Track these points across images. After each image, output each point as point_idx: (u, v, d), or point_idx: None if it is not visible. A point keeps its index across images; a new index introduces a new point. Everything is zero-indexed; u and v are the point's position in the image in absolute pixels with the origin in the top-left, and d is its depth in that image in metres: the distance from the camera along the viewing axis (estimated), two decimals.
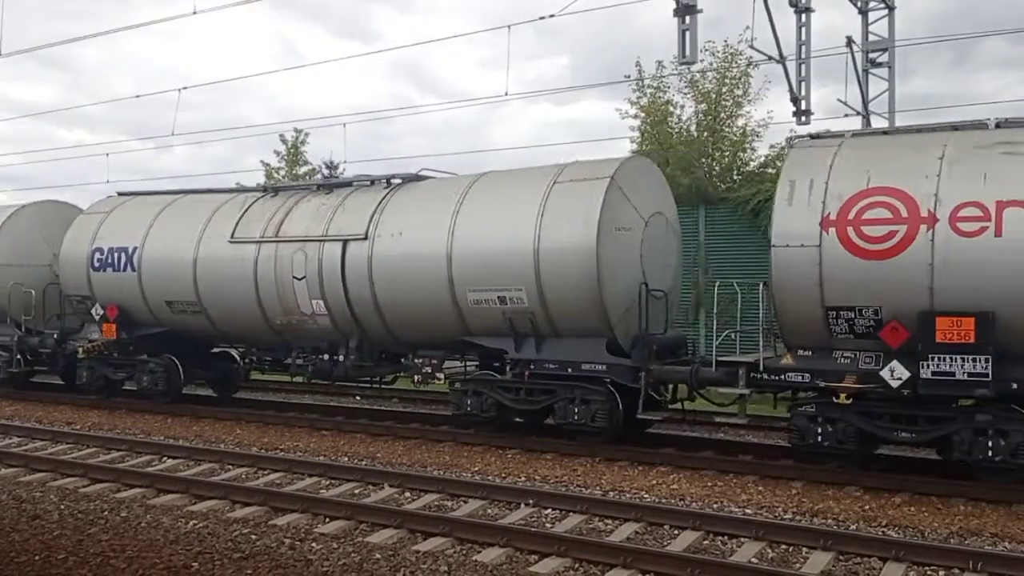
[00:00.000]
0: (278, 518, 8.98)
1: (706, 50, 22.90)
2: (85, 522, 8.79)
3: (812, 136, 11.35)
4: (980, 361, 9.44)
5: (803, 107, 16.01)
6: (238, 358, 17.19)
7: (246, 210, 15.28)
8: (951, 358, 9.57)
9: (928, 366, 9.62)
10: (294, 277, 14.17)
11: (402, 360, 14.33)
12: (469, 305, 12.60)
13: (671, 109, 24.39)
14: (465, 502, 9.65)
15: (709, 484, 10.45)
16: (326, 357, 14.39)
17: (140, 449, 12.72)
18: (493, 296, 12.36)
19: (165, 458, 12.20)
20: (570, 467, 11.37)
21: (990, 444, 9.68)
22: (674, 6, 13.18)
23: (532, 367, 12.41)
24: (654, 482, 10.55)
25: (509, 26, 16.45)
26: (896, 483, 10.25)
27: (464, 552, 7.88)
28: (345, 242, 13.66)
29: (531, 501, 9.51)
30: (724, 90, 23.67)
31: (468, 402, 12.93)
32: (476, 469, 11.30)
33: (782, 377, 10.67)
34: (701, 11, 13.08)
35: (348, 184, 15.06)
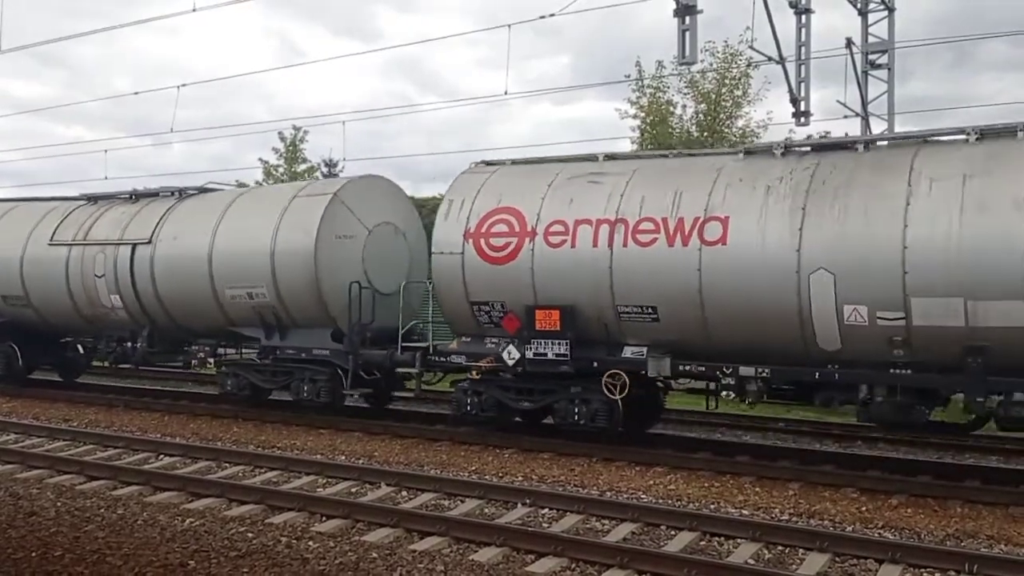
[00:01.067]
0: (275, 516, 8.97)
1: (706, 50, 22.97)
2: (81, 519, 8.78)
3: (483, 163, 13.95)
4: (563, 344, 11.94)
5: (802, 108, 16.03)
6: (80, 347, 18.58)
7: (65, 217, 17.64)
8: (545, 342, 12.08)
9: (530, 348, 12.12)
10: (96, 275, 16.61)
11: (185, 348, 16.58)
12: (228, 300, 15.03)
13: (671, 109, 24.43)
14: (462, 501, 9.64)
15: (706, 485, 10.45)
16: (128, 344, 16.62)
17: (137, 446, 12.71)
18: (243, 292, 14.81)
19: (162, 456, 12.19)
20: (567, 467, 11.37)
21: (576, 411, 12.07)
22: (674, 6, 13.18)
23: (277, 352, 14.84)
24: (651, 482, 10.55)
25: (509, 25, 16.47)
26: (893, 485, 10.26)
27: (460, 551, 7.88)
28: (134, 245, 16.10)
29: (528, 501, 9.51)
30: (724, 90, 23.71)
31: (229, 383, 15.34)
32: (473, 468, 11.30)
33: (448, 359, 13.19)
34: (701, 11, 13.10)
35: (154, 194, 17.31)
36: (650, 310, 11.46)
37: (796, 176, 10.86)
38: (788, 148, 11.53)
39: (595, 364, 11.91)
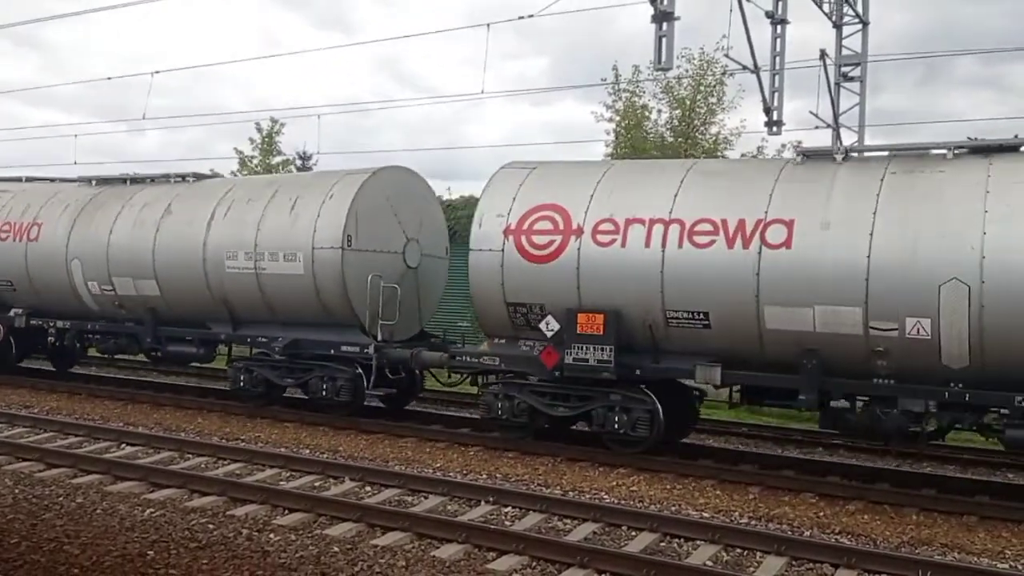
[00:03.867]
0: (237, 508, 8.93)
1: (682, 57, 23.10)
2: (40, 507, 8.69)
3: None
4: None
5: (775, 118, 16.19)
6: None
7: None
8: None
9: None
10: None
11: None
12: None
13: (646, 114, 24.57)
14: (426, 498, 9.65)
15: (668, 487, 10.55)
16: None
17: (98, 435, 12.57)
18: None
19: (124, 445, 12.07)
20: (532, 466, 11.42)
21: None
22: (652, 12, 13.26)
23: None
24: (614, 483, 10.63)
25: (488, 24, 16.45)
26: (851, 491, 10.41)
27: (423, 547, 7.89)
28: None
29: (491, 499, 9.54)
30: (699, 97, 23.89)
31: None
32: (438, 465, 11.32)
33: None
34: (679, 18, 13.16)
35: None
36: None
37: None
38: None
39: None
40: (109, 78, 28.26)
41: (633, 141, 23.80)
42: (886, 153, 11.28)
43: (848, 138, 16.75)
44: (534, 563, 7.57)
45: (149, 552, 7.37)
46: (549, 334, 11.90)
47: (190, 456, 11.47)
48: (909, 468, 12.52)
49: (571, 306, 11.72)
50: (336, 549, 7.64)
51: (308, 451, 12.03)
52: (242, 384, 14.94)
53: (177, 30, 68.92)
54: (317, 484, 10.20)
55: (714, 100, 23.86)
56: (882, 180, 10.54)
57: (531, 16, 15.30)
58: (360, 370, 13.84)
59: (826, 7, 16.73)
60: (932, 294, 9.81)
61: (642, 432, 11.60)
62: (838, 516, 9.48)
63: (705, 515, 9.37)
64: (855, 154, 11.48)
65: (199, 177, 16.79)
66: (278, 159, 30.97)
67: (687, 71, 23.50)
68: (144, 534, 7.86)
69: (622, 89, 24.52)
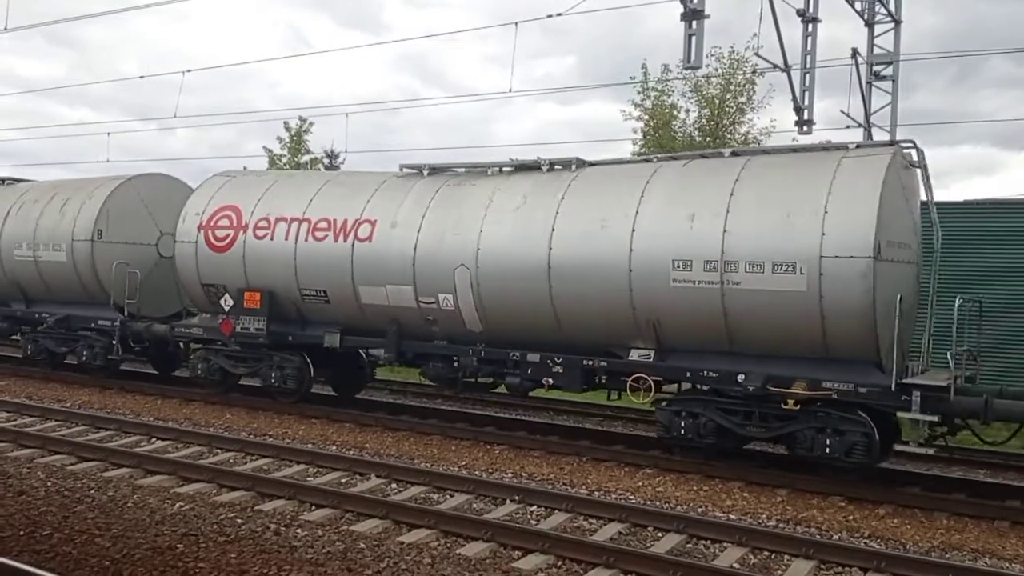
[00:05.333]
0: (264, 503, 9.00)
1: (712, 55, 22.98)
2: (71, 500, 8.81)
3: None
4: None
5: (805, 117, 16.04)
6: None
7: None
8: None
9: None
10: None
11: None
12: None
13: (675, 113, 24.46)
14: (451, 496, 9.67)
15: (695, 488, 10.49)
16: None
17: (129, 429, 12.73)
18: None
19: (154, 439, 12.22)
20: (557, 465, 11.41)
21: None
22: (681, 10, 13.19)
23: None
24: (640, 484, 10.59)
25: (516, 23, 16.47)
26: (880, 495, 10.30)
27: (448, 545, 7.91)
28: None
29: (517, 497, 9.54)
30: (728, 96, 23.74)
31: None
32: (463, 463, 11.34)
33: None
34: (708, 16, 13.09)
35: None
36: None
37: None
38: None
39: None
40: (142, 77, 28.62)
41: (661, 140, 23.68)
42: (463, 169, 13.99)
43: (880, 138, 16.57)
44: (560, 562, 7.57)
45: (179, 545, 7.44)
46: (227, 308, 14.78)
47: (219, 451, 11.58)
48: (939, 472, 12.36)
49: (241, 286, 14.61)
50: (363, 545, 7.68)
51: (335, 447, 12.10)
52: (29, 352, 18.13)
53: (208, 30, 69.61)
54: (344, 480, 10.26)
55: (744, 99, 23.71)
56: (437, 191, 13.46)
57: (559, 15, 15.29)
58: (116, 340, 16.76)
59: (858, 5, 16.56)
60: (450, 276, 12.63)
61: (292, 385, 14.62)
62: (867, 520, 9.39)
63: (732, 517, 9.31)
64: (438, 171, 14.16)
65: (2, 180, 20.30)
66: (306, 158, 31.15)
67: (717, 70, 23.38)
68: (174, 527, 7.94)
69: (651, 88, 24.43)
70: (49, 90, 68.17)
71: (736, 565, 7.73)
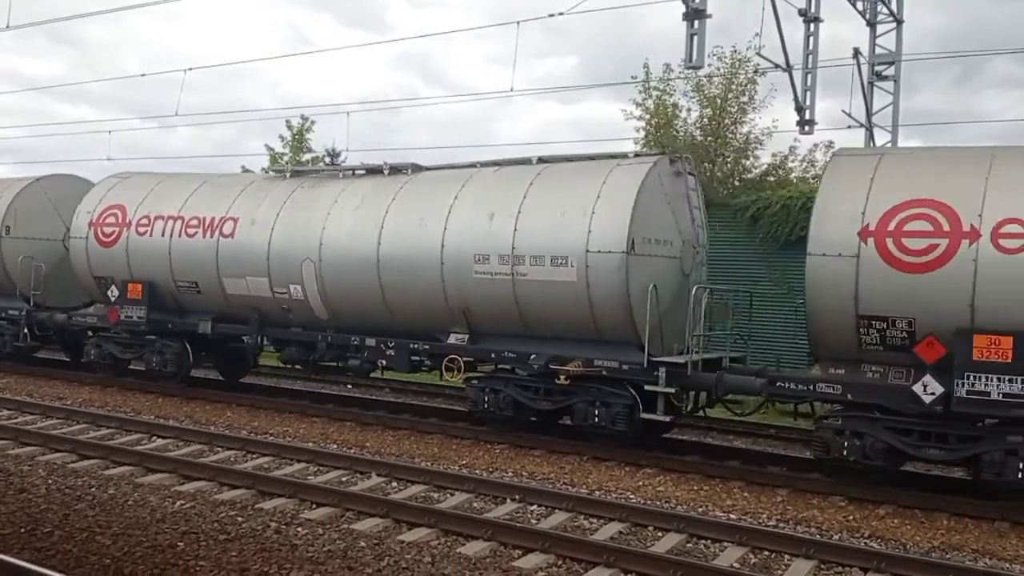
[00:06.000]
0: (265, 502, 9.00)
1: (713, 55, 22.97)
2: (72, 497, 8.82)
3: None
4: None
5: (807, 117, 16.04)
6: None
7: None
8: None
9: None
10: None
11: None
12: None
13: (677, 112, 24.44)
14: (452, 494, 9.68)
15: (695, 488, 10.49)
16: None
17: (130, 427, 12.74)
18: None
19: (155, 437, 12.23)
20: (557, 464, 11.41)
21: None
22: (683, 10, 13.19)
23: None
24: (640, 483, 10.59)
25: (518, 22, 16.50)
26: (881, 495, 10.30)
27: (448, 544, 7.92)
28: None
29: (517, 496, 9.55)
30: (730, 96, 23.72)
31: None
32: (464, 462, 11.34)
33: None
34: (710, 16, 13.09)
35: None
36: None
37: None
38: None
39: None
40: (143, 75, 28.64)
41: (663, 139, 23.67)
42: (321, 169, 16.09)
43: (882, 138, 16.58)
44: (560, 561, 7.57)
45: (179, 543, 7.45)
46: (113, 298, 16.11)
47: (220, 449, 11.59)
48: (940, 472, 12.35)
49: (125, 278, 15.98)
50: (363, 544, 7.68)
51: (335, 446, 12.10)
52: None
53: (209, 28, 69.60)
54: (344, 479, 10.27)
55: (745, 99, 23.69)
56: (292, 192, 14.89)
57: (560, 14, 15.28)
58: (24, 329, 18.03)
59: (860, 5, 16.57)
60: (299, 269, 14.07)
61: (172, 369, 16.04)
62: (868, 520, 9.38)
63: (732, 517, 9.31)
64: (300, 174, 15.83)
65: None
66: (308, 156, 31.12)
67: (718, 69, 23.37)
68: (174, 525, 7.95)
69: (652, 87, 24.42)
70: (50, 88, 68.02)
71: (736, 565, 7.73)
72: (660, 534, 8.52)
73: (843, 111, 16.59)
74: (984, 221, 9.67)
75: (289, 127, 30.88)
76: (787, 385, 10.97)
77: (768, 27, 14.76)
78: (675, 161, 12.64)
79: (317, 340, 14.37)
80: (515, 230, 12.14)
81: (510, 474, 10.83)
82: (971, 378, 9.55)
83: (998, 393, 9.46)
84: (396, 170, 14.43)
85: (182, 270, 15.50)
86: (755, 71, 22.66)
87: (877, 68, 16.63)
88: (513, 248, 12.09)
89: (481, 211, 12.58)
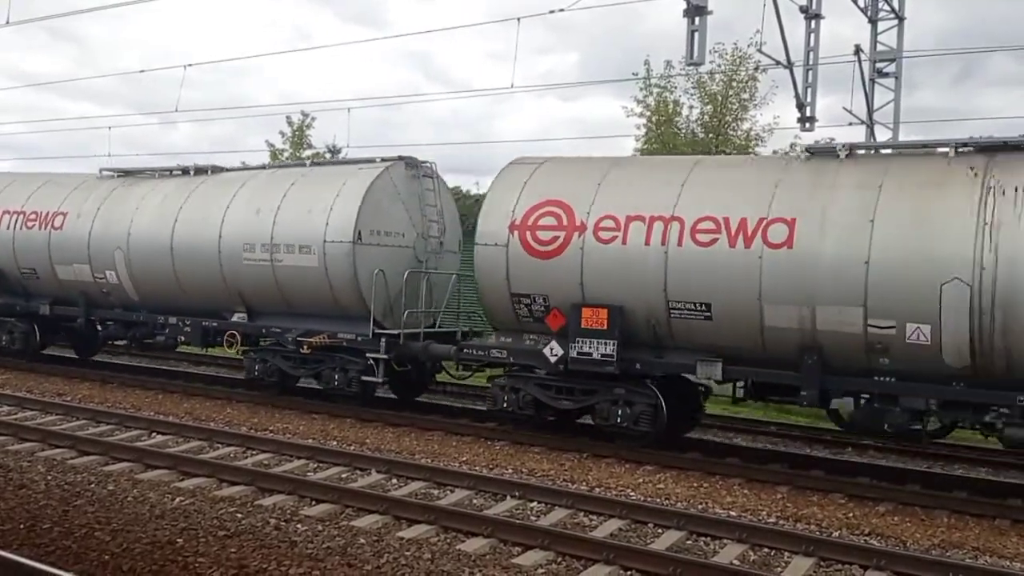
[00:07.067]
0: (265, 498, 9.00)
1: (714, 52, 22.89)
2: (72, 494, 8.81)
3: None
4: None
5: (808, 114, 15.98)
6: None
7: None
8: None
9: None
10: None
11: None
12: None
13: (678, 109, 24.37)
14: (451, 491, 9.67)
15: (695, 485, 10.48)
16: None
17: (129, 423, 12.73)
18: None
19: (154, 434, 12.22)
20: (557, 461, 11.41)
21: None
22: (684, 7, 13.14)
23: None
24: (640, 480, 10.58)
25: (519, 19, 16.46)
26: (881, 492, 10.30)
27: (448, 541, 7.91)
28: None
29: (517, 493, 9.54)
30: (731, 93, 23.66)
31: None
32: (464, 459, 11.33)
33: None
34: (711, 13, 13.02)
35: None
36: None
37: None
38: None
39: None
40: (142, 71, 28.61)
41: (664, 137, 23.61)
42: (143, 169, 17.75)
43: (882, 135, 16.53)
44: (560, 558, 7.56)
45: (178, 540, 7.44)
46: None
47: (219, 445, 11.58)
48: (940, 470, 12.35)
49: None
50: (362, 540, 7.68)
51: (335, 442, 12.09)
52: None
53: (209, 24, 69.55)
54: (344, 476, 10.26)
55: (746, 96, 23.63)
56: (114, 189, 16.99)
57: (561, 10, 15.23)
58: None
59: (861, 2, 16.49)
60: (111, 256, 16.24)
61: (19, 347, 17.77)
62: (868, 517, 9.37)
63: (732, 514, 9.30)
64: (130, 174, 17.69)
65: None
66: (308, 152, 31.08)
67: (719, 66, 23.30)
68: (174, 522, 7.94)
69: (653, 84, 24.36)
70: (51, 84, 67.99)
71: (736, 562, 7.72)
72: (660, 531, 8.51)
73: (844, 108, 16.51)
74: (590, 218, 11.83)
75: (289, 123, 30.86)
76: (472, 352, 13.21)
77: (769, 24, 14.68)
78: (413, 166, 14.90)
79: (132, 319, 16.75)
80: (274, 223, 14.49)
81: (510, 471, 10.82)
82: (580, 342, 11.79)
83: (598, 354, 11.69)
84: (201, 171, 16.70)
85: (23, 258, 17.65)
86: (756, 68, 22.58)
87: (878, 65, 16.56)
88: (272, 238, 14.46)
89: (251, 207, 14.92)
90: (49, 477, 9.44)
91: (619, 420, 11.78)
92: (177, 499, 8.76)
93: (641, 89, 24.38)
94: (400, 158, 14.90)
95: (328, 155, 30.57)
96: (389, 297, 14.12)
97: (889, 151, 11.57)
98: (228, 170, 16.65)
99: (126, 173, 17.76)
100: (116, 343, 18.71)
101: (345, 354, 14.18)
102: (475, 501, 9.40)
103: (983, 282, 9.54)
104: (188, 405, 14.55)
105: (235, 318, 15.38)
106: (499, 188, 13.00)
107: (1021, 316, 9.44)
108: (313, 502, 8.93)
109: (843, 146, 11.25)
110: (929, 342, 9.86)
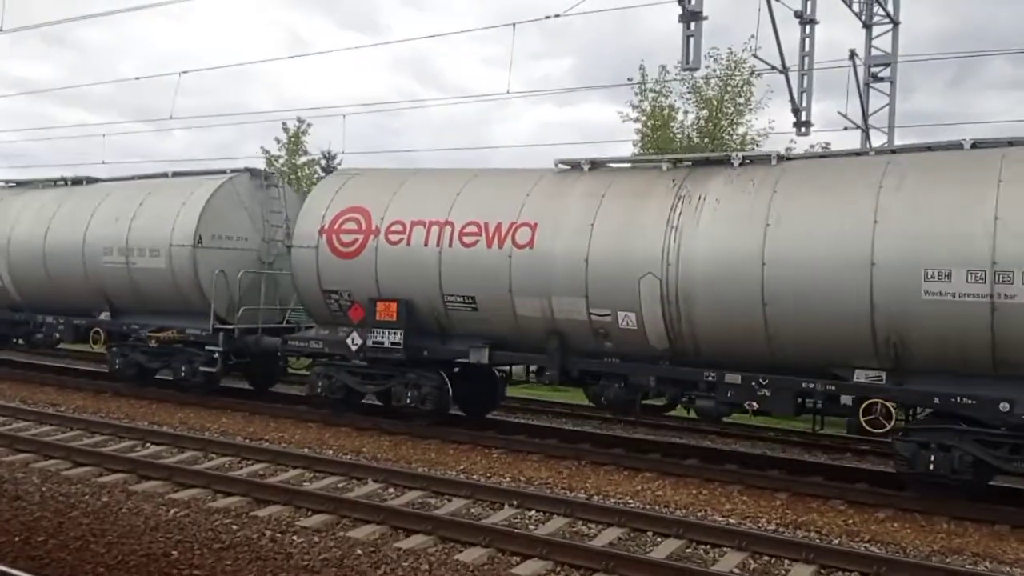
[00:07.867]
0: (260, 509, 8.93)
1: (710, 56, 22.90)
2: (66, 505, 8.74)
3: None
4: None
5: (803, 118, 16.01)
6: None
7: None
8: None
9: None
10: None
11: None
12: None
13: (673, 114, 24.39)
14: (449, 500, 9.61)
15: (694, 492, 10.44)
16: None
17: (124, 434, 12.66)
18: None
19: (149, 444, 12.14)
20: (555, 469, 11.35)
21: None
22: (680, 12, 13.14)
23: None
24: (639, 488, 10.54)
25: (514, 24, 16.40)
26: (881, 499, 10.26)
27: (446, 551, 7.85)
28: None
29: (515, 502, 9.49)
30: (726, 98, 23.67)
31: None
32: (461, 468, 11.27)
33: None
34: (707, 18, 13.03)
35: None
36: None
37: None
38: None
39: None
40: (138, 78, 28.45)
41: (659, 142, 23.62)
42: (30, 180, 19.27)
43: (878, 140, 16.55)
44: (558, 568, 7.51)
45: (173, 552, 7.38)
46: None
47: (214, 456, 11.51)
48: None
49: None
50: (359, 552, 7.62)
51: (331, 452, 12.03)
52: None
53: (205, 31, 69.50)
54: (340, 485, 10.19)
55: (742, 100, 23.65)
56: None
57: (557, 16, 15.22)
58: None
59: (856, 7, 16.54)
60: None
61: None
62: (867, 524, 9.34)
63: (732, 521, 9.25)
64: (22, 185, 19.19)
65: None
66: (304, 159, 31.03)
67: (715, 71, 23.32)
68: (168, 534, 7.88)
69: (648, 89, 24.38)
70: (46, 92, 67.88)
71: (736, 570, 7.67)
72: (659, 539, 8.46)
73: (839, 113, 16.57)
74: (383, 223, 13.34)
75: (285, 130, 30.81)
76: (295, 344, 14.58)
77: (764, 29, 14.72)
78: (258, 176, 16.54)
79: (16, 319, 18.21)
80: (129, 229, 16.00)
81: (508, 479, 10.76)
82: (375, 332, 13.27)
83: (389, 343, 13.17)
84: (77, 182, 18.30)
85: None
86: (751, 73, 22.63)
87: (873, 70, 16.61)
88: (127, 243, 15.94)
89: (111, 215, 16.40)
90: (44, 488, 9.36)
91: (408, 401, 13.30)
92: (172, 510, 8.69)
93: (637, 94, 24.42)
94: (247, 169, 16.50)
95: (324, 161, 30.54)
96: (232, 295, 15.50)
97: (628, 165, 13.08)
98: (102, 181, 18.19)
99: (17, 184, 19.36)
100: (16, 341, 19.43)
101: (192, 348, 15.59)
102: (473, 510, 9.34)
103: (669, 276, 11.10)
104: (182, 415, 14.48)
105: (101, 316, 16.82)
106: (315, 196, 14.63)
107: (697, 306, 10.98)
108: (309, 512, 8.86)
109: (586, 160, 12.78)
110: (636, 328, 11.45)
